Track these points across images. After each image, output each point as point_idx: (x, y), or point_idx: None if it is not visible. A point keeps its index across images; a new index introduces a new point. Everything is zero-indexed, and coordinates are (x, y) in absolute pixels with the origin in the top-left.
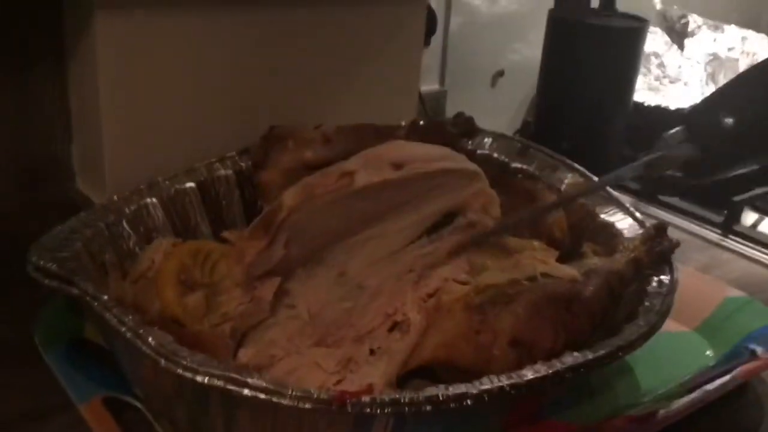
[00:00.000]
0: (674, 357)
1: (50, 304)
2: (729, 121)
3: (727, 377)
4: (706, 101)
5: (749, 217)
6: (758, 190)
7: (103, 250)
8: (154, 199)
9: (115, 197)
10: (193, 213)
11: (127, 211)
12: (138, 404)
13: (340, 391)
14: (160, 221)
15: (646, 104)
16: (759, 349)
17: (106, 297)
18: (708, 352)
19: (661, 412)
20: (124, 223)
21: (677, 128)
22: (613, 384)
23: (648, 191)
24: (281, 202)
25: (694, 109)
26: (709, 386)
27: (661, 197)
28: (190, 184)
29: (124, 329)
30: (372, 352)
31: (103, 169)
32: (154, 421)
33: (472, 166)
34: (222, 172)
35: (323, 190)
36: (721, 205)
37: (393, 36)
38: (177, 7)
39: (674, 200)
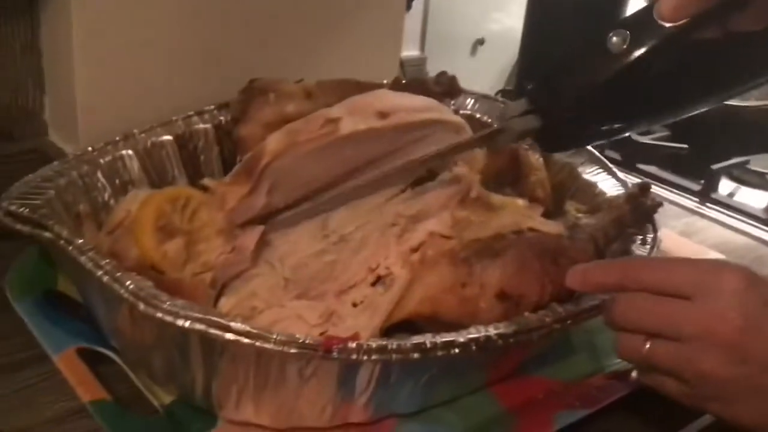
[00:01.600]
0: None
1: (22, 256)
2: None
3: None
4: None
5: (726, 186)
6: (735, 159)
7: (77, 200)
8: (129, 151)
9: (90, 148)
10: (170, 166)
11: (101, 162)
12: (114, 356)
13: (327, 336)
14: (136, 174)
15: None
16: None
17: (81, 240)
18: None
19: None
20: (99, 174)
21: (519, 100)
22: (593, 342)
23: (627, 160)
24: (264, 147)
25: (537, 80)
26: None
27: (640, 166)
28: (167, 137)
29: (100, 273)
30: (355, 305)
31: (76, 121)
32: (131, 372)
33: (458, 119)
34: (200, 125)
35: (307, 137)
36: (699, 174)
37: None
38: None
39: (652, 168)
